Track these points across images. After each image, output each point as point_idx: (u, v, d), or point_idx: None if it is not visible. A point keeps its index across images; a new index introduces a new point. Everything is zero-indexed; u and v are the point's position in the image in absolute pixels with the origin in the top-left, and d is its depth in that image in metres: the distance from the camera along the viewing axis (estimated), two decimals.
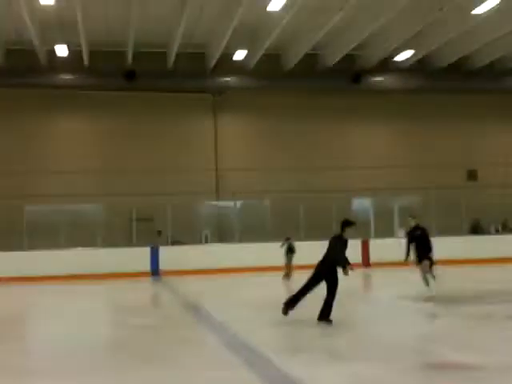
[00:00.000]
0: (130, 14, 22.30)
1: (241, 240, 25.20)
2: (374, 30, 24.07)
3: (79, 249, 23.26)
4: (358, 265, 22.69)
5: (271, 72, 27.86)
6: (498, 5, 21.24)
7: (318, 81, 28.22)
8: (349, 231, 10.27)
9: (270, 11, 21.76)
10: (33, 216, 24.26)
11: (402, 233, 21.16)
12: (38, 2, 20.49)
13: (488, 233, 27.51)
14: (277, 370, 7.06)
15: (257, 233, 24.48)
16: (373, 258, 24.28)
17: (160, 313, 14.23)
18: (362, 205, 28.30)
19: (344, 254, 10.20)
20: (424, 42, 25.96)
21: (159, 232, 25.14)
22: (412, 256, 13.74)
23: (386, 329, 9.78)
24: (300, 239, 23.62)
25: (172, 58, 26.39)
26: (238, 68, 27.33)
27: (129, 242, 25.10)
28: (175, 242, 24.75)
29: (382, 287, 15.35)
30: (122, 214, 25.66)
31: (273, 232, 23.76)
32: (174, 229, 25.15)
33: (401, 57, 27.09)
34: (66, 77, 26.36)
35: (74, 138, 27.90)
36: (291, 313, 10.43)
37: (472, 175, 30.33)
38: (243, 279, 21.24)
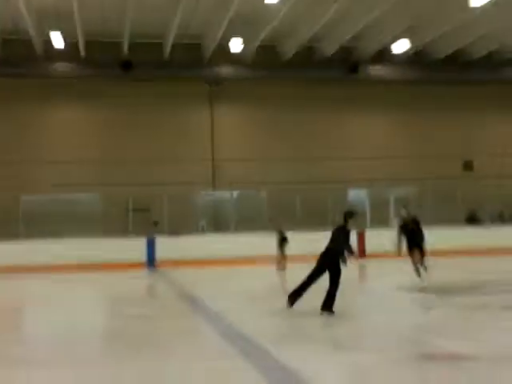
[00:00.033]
0: (126, 5, 22.26)
1: (237, 230, 25.23)
2: (369, 21, 24.11)
3: (75, 239, 23.22)
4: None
5: (268, 63, 27.84)
6: None
7: (316, 71, 28.21)
8: (352, 222, 10.22)
9: (267, 3, 21.73)
10: (29, 206, 24.26)
11: (396, 221, 21.13)
12: None
13: (484, 223, 27.57)
14: (273, 359, 7.09)
15: (253, 223, 24.50)
16: (368, 248, 24.30)
17: (156, 303, 14.25)
18: (358, 195, 28.34)
19: (349, 244, 10.17)
20: (421, 33, 25.98)
21: (156, 222, 25.13)
22: (404, 247, 13.76)
23: (381, 319, 9.82)
24: (296, 229, 23.73)
25: (168, 49, 26.35)
26: (235, 58, 27.29)
27: (125, 233, 25.09)
28: (173, 233, 24.74)
29: (378, 278, 15.37)
30: (119, 204, 25.64)
31: (275, 221, 23.69)
32: (170, 219, 25.16)
33: (398, 48, 27.07)
34: (63, 67, 26.32)
35: (70, 127, 27.87)
36: (300, 301, 10.42)
37: (468, 166, 30.38)
38: (239, 269, 21.27)
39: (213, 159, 28.55)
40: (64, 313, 12.03)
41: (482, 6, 21.93)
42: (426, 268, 13.63)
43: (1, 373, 6.89)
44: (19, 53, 25.65)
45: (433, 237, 22.39)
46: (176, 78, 27.39)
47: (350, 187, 28.19)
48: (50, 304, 13.73)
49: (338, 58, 27.78)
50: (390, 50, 27.48)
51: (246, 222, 25.07)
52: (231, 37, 25.46)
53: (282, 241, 19.46)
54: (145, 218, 25.45)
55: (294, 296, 10.20)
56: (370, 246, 24.26)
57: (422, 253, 13.59)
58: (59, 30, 24.02)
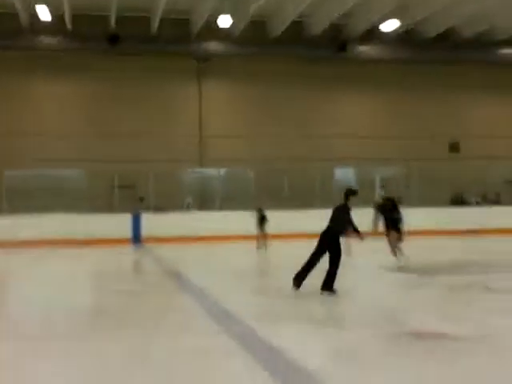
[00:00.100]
0: None
1: (223, 208, 25.24)
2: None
3: (60, 214, 23.10)
4: None
5: (257, 39, 27.65)
6: None
7: (305, 49, 28.08)
8: (353, 200, 10.16)
9: None
10: (12, 181, 24.06)
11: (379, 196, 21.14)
12: None
13: (468, 204, 27.73)
14: (257, 337, 7.13)
15: (240, 201, 24.48)
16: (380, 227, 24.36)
17: (141, 279, 14.27)
18: (344, 174, 28.38)
19: (352, 223, 10.12)
20: (411, 12, 25.89)
21: (141, 198, 25.07)
22: (380, 226, 13.79)
23: (364, 298, 9.88)
24: (282, 208, 23.82)
25: (156, 23, 26.09)
26: (224, 34, 27.08)
27: (110, 209, 25.00)
28: (157, 209, 24.71)
29: (361, 257, 15.43)
30: (104, 180, 25.52)
31: (256, 200, 23.72)
32: (156, 196, 25.11)
33: (387, 27, 26.97)
34: (49, 40, 25.98)
35: (55, 101, 27.60)
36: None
37: (454, 147, 30.46)
38: (225, 247, 21.31)
39: (200, 136, 28.44)
40: (48, 288, 12.02)
41: None
42: (400, 249, 13.62)
43: None
44: (5, 26, 25.27)
45: (418, 217, 22.70)
46: (163, 53, 27.15)
47: (337, 166, 28.20)
48: (35, 280, 13.71)
49: (327, 36, 27.64)
50: (379, 29, 27.37)
51: (233, 199, 25.06)
52: (220, 12, 25.24)
53: (262, 219, 19.46)
54: (131, 194, 25.37)
55: (299, 277, 10.04)
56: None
57: (399, 234, 13.60)
58: (45, 3, 23.69)
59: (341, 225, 10.06)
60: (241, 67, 28.14)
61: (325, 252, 9.96)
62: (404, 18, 26.20)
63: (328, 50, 27.84)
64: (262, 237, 19.42)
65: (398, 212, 13.72)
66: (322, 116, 29.41)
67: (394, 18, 26.06)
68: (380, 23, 26.82)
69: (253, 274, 14.95)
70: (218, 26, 26.34)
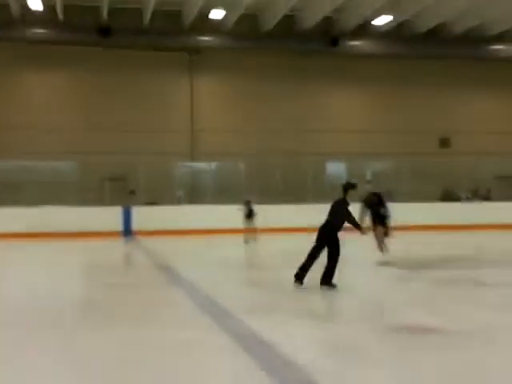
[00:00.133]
0: None
1: (214, 201, 25.21)
2: None
3: (50, 207, 23.03)
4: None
5: (249, 32, 27.60)
6: None
7: (297, 43, 28.06)
8: (352, 194, 10.10)
9: None
10: (3, 173, 23.94)
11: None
12: None
13: (459, 200, 27.83)
14: (249, 331, 7.14)
15: (231, 195, 24.47)
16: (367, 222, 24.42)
17: (132, 272, 14.25)
18: (335, 169, 28.42)
19: (352, 217, 10.04)
20: (402, 7, 25.90)
21: (132, 191, 25.03)
22: (367, 221, 13.79)
23: (354, 292, 9.90)
24: (274, 202, 23.88)
25: (148, 15, 25.99)
26: (216, 27, 27.03)
27: (101, 202, 24.93)
28: (149, 203, 24.69)
29: (351, 251, 15.48)
30: (95, 173, 25.43)
31: (245, 194, 23.72)
32: (147, 189, 25.07)
33: (379, 22, 27.01)
34: (40, 31, 25.82)
35: (46, 93, 27.47)
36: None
37: (445, 143, 30.56)
38: (216, 240, 21.31)
39: (191, 129, 28.39)
40: (39, 281, 12.00)
41: None
42: (385, 245, 13.60)
43: None
44: None
45: (408, 212, 22.77)
46: (155, 45, 27.07)
47: (328, 160, 28.22)
48: (26, 272, 13.67)
49: (319, 31, 27.63)
50: (370, 24, 27.40)
51: (224, 193, 25.05)
52: (212, 5, 25.18)
53: (250, 213, 19.44)
54: (121, 187, 25.31)
55: (301, 273, 9.93)
56: None
57: (386, 229, 13.59)
58: None
59: (339, 219, 9.98)
60: (233, 60, 28.10)
61: (324, 246, 9.89)
62: (396, 12, 26.23)
63: (320, 44, 27.85)
64: (251, 231, 19.41)
65: (385, 207, 13.70)
66: (313, 110, 29.41)
67: (386, 12, 26.10)
68: (372, 18, 26.85)
69: (244, 268, 14.96)
70: (210, 19, 26.29)
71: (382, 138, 29.26)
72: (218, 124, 28.34)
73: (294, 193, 25.03)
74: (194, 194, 27.04)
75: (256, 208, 19.52)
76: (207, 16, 26.08)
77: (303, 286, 9.87)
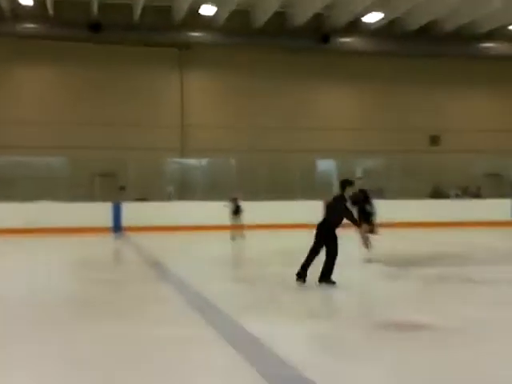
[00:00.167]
0: None
1: (205, 198, 25.17)
2: None
3: (40, 202, 22.95)
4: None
5: (240, 29, 27.59)
6: None
7: (287, 40, 28.06)
8: (349, 190, 10.08)
9: None
10: None
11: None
12: None
13: (448, 197, 27.93)
14: (238, 327, 7.16)
15: (221, 191, 24.48)
16: None
17: (122, 268, 14.24)
18: (326, 166, 28.46)
19: (351, 214, 10.03)
20: (393, 4, 25.94)
21: (122, 187, 24.98)
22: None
23: (343, 290, 9.92)
24: (264, 199, 23.96)
25: (138, 11, 25.92)
26: (207, 23, 26.99)
27: (91, 197, 24.85)
28: (139, 199, 24.66)
29: (340, 248, 15.50)
30: (85, 169, 25.35)
31: (231, 191, 23.71)
32: (137, 185, 25.03)
33: (370, 19, 27.06)
34: (30, 26, 25.71)
35: (36, 88, 27.36)
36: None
37: (434, 140, 30.66)
38: (206, 236, 21.31)
39: (182, 125, 28.35)
40: (29, 276, 11.96)
41: None
42: (370, 242, 13.57)
43: None
44: None
45: (398, 209, 22.85)
46: (146, 41, 27.01)
47: (319, 157, 28.24)
48: (15, 268, 13.63)
49: (309, 28, 27.65)
50: (361, 21, 27.45)
51: (214, 189, 25.03)
52: (203, 0, 25.14)
53: (236, 210, 19.42)
54: (112, 183, 25.26)
55: (302, 272, 9.88)
56: None
57: (371, 226, 13.58)
58: None
59: (337, 216, 9.97)
60: (223, 57, 28.07)
61: (323, 244, 9.88)
62: (386, 10, 26.27)
63: (311, 41, 27.87)
64: (237, 227, 19.40)
65: (371, 204, 13.70)
66: (304, 107, 29.42)
67: (377, 10, 26.14)
68: (363, 15, 26.89)
69: (233, 264, 14.98)
70: (201, 15, 26.25)
71: (372, 136, 29.32)
72: (209, 120, 28.31)
73: (284, 190, 25.05)
74: (184, 190, 27.01)
75: (243, 205, 19.50)
76: (198, 12, 26.04)
77: (284, 281, 9.89)
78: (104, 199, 23.76)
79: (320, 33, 27.70)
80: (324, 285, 9.74)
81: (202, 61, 28.29)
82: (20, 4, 24.67)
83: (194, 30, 27.09)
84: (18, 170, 24.01)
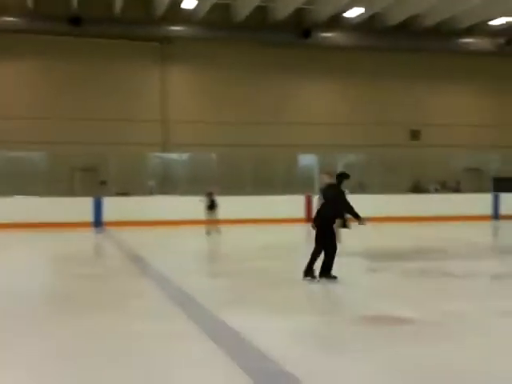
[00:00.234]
0: None
1: (186, 192, 25.12)
2: None
3: (19, 198, 22.77)
4: (301, 220, 23.15)
5: (221, 23, 27.51)
6: None
7: (269, 34, 28.03)
8: (346, 183, 10.04)
9: None
10: None
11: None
12: None
13: (428, 192, 28.12)
14: (219, 321, 7.17)
15: (203, 185, 24.45)
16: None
17: (102, 263, 14.20)
18: (307, 161, 28.51)
19: (351, 205, 9.93)
20: None
21: (103, 182, 24.86)
22: None
23: (324, 284, 9.95)
24: (246, 193, 23.99)
25: (119, 4, 25.76)
26: (188, 17, 26.90)
27: (71, 192, 24.70)
28: (120, 193, 24.56)
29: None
30: (65, 163, 25.18)
31: (218, 185, 23.72)
32: (119, 179, 24.92)
33: (351, 14, 27.12)
34: (9, 19, 25.43)
35: (15, 83, 27.06)
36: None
37: (415, 135, 30.83)
38: (188, 231, 21.29)
39: (163, 120, 28.24)
40: (7, 272, 11.88)
41: None
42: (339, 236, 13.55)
43: None
44: None
45: (377, 203, 22.98)
46: (127, 34, 26.84)
47: (300, 152, 28.28)
48: None
49: (291, 22, 27.65)
50: (343, 16, 27.49)
51: (196, 184, 24.97)
52: None
53: (212, 205, 19.39)
54: (92, 177, 25.13)
55: (309, 270, 9.86)
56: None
57: (343, 220, 13.58)
58: None
59: (335, 209, 9.96)
60: (205, 51, 27.98)
61: (324, 238, 9.84)
62: (367, 5, 26.33)
63: (292, 35, 27.87)
64: (212, 222, 19.38)
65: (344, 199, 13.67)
66: (285, 101, 29.41)
67: (358, 5, 26.20)
68: (344, 10, 26.93)
69: (214, 258, 15.00)
70: (182, 9, 26.16)
71: (353, 130, 29.39)
72: (190, 114, 28.22)
73: (266, 184, 25.09)
74: (166, 185, 26.93)
75: (218, 199, 19.48)
76: (179, 5, 25.94)
77: (266, 275, 9.91)
78: (85, 194, 23.62)
79: (301, 27, 27.72)
80: (326, 280, 9.76)
81: (183, 55, 28.19)
82: None
83: (175, 24, 26.98)
84: None
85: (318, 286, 9.70)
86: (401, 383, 5.09)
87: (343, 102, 30.28)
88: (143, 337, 6.47)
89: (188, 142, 27.28)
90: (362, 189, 25.01)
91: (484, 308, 8.02)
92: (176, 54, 28.09)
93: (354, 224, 10.79)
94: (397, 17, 27.99)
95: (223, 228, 19.47)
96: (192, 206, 20.88)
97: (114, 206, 23.10)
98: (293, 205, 23.57)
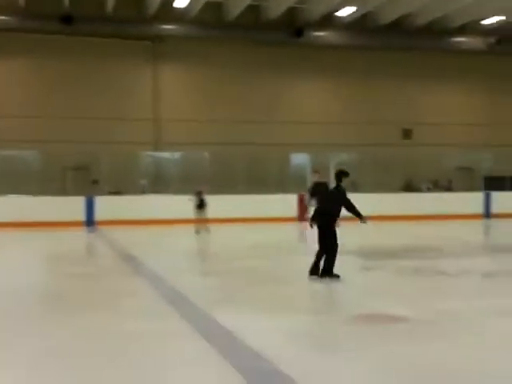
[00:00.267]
0: None
1: (179, 191, 25.07)
2: None
3: (11, 196, 22.66)
4: (294, 219, 23.16)
5: (213, 22, 27.48)
6: None
7: (261, 33, 28.01)
8: (346, 181, 10.02)
9: None
10: None
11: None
12: None
13: (420, 191, 28.17)
14: (212, 320, 7.16)
15: (195, 184, 24.39)
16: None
17: (95, 262, 14.16)
18: (299, 160, 28.52)
19: (352, 203, 9.92)
20: None
21: (95, 181, 24.78)
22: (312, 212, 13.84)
23: (317, 282, 9.94)
24: (238, 192, 23.98)
25: (111, 3, 25.68)
26: (180, 16, 26.85)
27: (63, 191, 24.60)
28: (112, 192, 24.50)
29: (314, 241, 15.55)
30: (57, 162, 25.08)
31: (211, 184, 23.68)
32: (111, 178, 24.85)
33: (343, 13, 27.12)
34: (1, 18, 25.27)
35: (6, 81, 26.97)
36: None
37: (407, 134, 30.87)
38: (180, 230, 21.25)
39: (156, 119, 28.18)
40: (0, 271, 11.85)
41: None
42: None
43: None
44: None
45: (370, 202, 22.97)
46: (119, 33, 26.76)
47: (292, 151, 28.28)
48: None
49: (283, 21, 27.64)
50: (335, 15, 27.50)
51: (188, 182, 24.91)
52: None
53: (201, 204, 19.35)
54: (85, 176, 25.05)
55: (315, 269, 9.85)
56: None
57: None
58: None
59: (336, 208, 9.90)
60: (197, 49, 27.93)
61: (326, 237, 9.81)
62: (359, 4, 26.34)
63: (284, 34, 27.85)
64: (202, 221, 19.34)
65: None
66: (278, 100, 29.39)
67: (350, 4, 26.21)
68: (336, 9, 26.93)
69: (207, 257, 14.97)
70: (174, 7, 26.10)
71: (345, 129, 29.41)
72: (182, 113, 28.17)
73: (259, 183, 25.08)
74: (158, 184, 26.88)
75: (207, 198, 19.44)
76: (171, 4, 25.89)
77: (258, 274, 9.90)
78: (77, 193, 23.55)
79: (294, 27, 27.71)
80: (329, 280, 9.76)
81: (175, 53, 28.14)
82: None
83: (167, 23, 26.91)
84: None
85: (311, 285, 9.69)
86: (395, 382, 5.09)
87: (335, 100, 30.29)
88: (136, 336, 6.45)
89: (181, 140, 27.25)
90: (354, 188, 24.98)
91: (477, 306, 8.03)
92: (168, 52, 28.04)
93: (347, 223, 10.76)
94: (389, 16, 28.02)
95: (214, 227, 19.45)
96: (184, 204, 20.85)
97: (106, 205, 23.03)
98: (285, 204, 23.58)
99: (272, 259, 12.30)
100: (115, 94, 27.41)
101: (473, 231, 22.04)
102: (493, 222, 25.24)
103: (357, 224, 10.28)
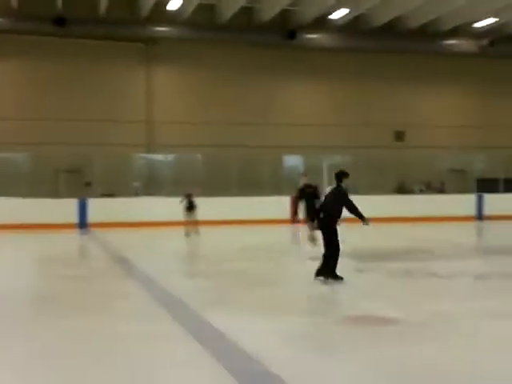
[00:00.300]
0: None
1: (171, 193, 25.04)
2: None
3: (2, 198, 22.55)
4: (288, 221, 23.17)
5: (206, 23, 27.47)
6: None
7: (254, 35, 28.02)
8: (346, 182, 10.03)
9: None
10: None
11: (327, 190, 21.39)
12: None
13: (412, 193, 28.22)
14: (204, 323, 7.17)
15: (188, 186, 24.38)
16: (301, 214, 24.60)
17: (87, 265, 14.14)
18: (292, 162, 28.54)
19: (354, 204, 9.95)
20: (358, 0, 26.07)
21: (88, 183, 24.73)
22: (301, 214, 13.84)
23: (309, 284, 9.97)
24: (232, 194, 23.98)
25: (104, 5, 25.65)
26: (173, 18, 26.83)
27: (56, 194, 24.53)
28: (105, 195, 24.46)
29: (307, 243, 15.60)
30: (49, 165, 25.01)
31: (204, 186, 23.68)
32: (104, 181, 24.80)
33: (336, 15, 27.17)
34: None
35: (1, 82, 26.89)
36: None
37: (399, 136, 30.93)
38: (173, 232, 21.22)
39: (149, 121, 28.16)
40: None
41: None
42: (315, 238, 13.50)
43: None
44: None
45: (362, 204, 22.91)
46: (112, 35, 26.72)
47: (285, 153, 28.28)
48: None
49: (276, 23, 27.65)
50: (328, 18, 27.54)
51: (181, 185, 24.89)
52: None
53: (190, 206, 19.33)
54: (77, 179, 25.00)
55: (323, 269, 9.85)
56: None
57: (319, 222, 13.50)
58: None
59: (337, 209, 9.92)
60: (190, 51, 27.92)
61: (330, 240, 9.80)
62: (352, 6, 26.39)
63: (277, 36, 27.86)
64: (191, 223, 19.33)
65: (319, 199, 13.73)
66: (271, 102, 29.41)
67: (343, 6, 26.25)
68: (329, 11, 26.98)
69: (199, 260, 14.97)
70: (167, 8, 26.09)
71: (338, 132, 29.45)
72: (175, 115, 28.14)
73: (252, 185, 25.08)
74: (151, 186, 26.84)
75: (197, 201, 19.43)
76: (164, 6, 25.88)
77: (250, 276, 9.92)
78: (69, 195, 23.49)
79: (286, 29, 27.73)
80: (332, 281, 9.78)
81: (168, 55, 28.12)
82: None
83: (160, 25, 26.89)
84: None
85: (303, 287, 9.71)
86: (385, 383, 5.11)
87: (329, 103, 30.33)
88: (128, 338, 6.46)
89: (174, 142, 27.22)
90: (355, 190, 25.05)
91: (468, 308, 8.07)
92: (161, 54, 28.03)
93: (348, 223, 10.80)
94: (381, 18, 28.08)
95: (206, 229, 19.44)
96: (177, 206, 20.85)
97: (99, 208, 22.98)
98: (279, 206, 23.59)
99: (262, 261, 12.31)
100: (108, 95, 27.38)
101: (465, 233, 22.11)
102: (485, 224, 25.32)
103: (357, 225, 10.31)
